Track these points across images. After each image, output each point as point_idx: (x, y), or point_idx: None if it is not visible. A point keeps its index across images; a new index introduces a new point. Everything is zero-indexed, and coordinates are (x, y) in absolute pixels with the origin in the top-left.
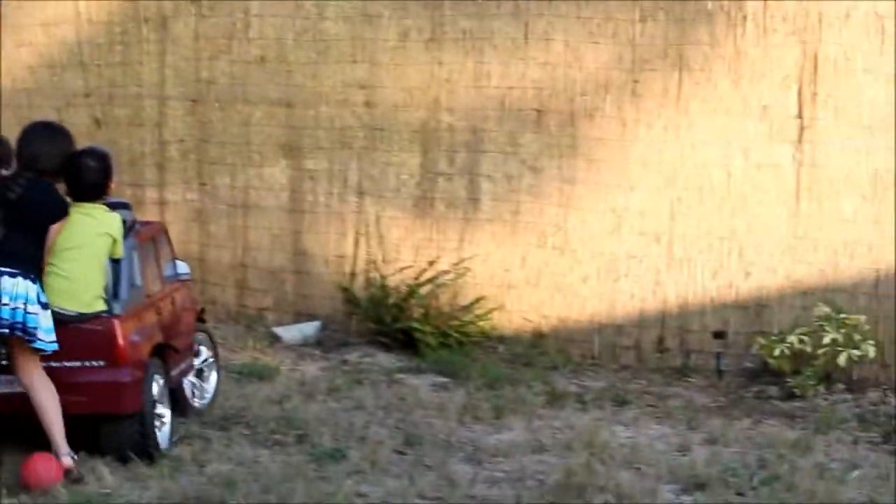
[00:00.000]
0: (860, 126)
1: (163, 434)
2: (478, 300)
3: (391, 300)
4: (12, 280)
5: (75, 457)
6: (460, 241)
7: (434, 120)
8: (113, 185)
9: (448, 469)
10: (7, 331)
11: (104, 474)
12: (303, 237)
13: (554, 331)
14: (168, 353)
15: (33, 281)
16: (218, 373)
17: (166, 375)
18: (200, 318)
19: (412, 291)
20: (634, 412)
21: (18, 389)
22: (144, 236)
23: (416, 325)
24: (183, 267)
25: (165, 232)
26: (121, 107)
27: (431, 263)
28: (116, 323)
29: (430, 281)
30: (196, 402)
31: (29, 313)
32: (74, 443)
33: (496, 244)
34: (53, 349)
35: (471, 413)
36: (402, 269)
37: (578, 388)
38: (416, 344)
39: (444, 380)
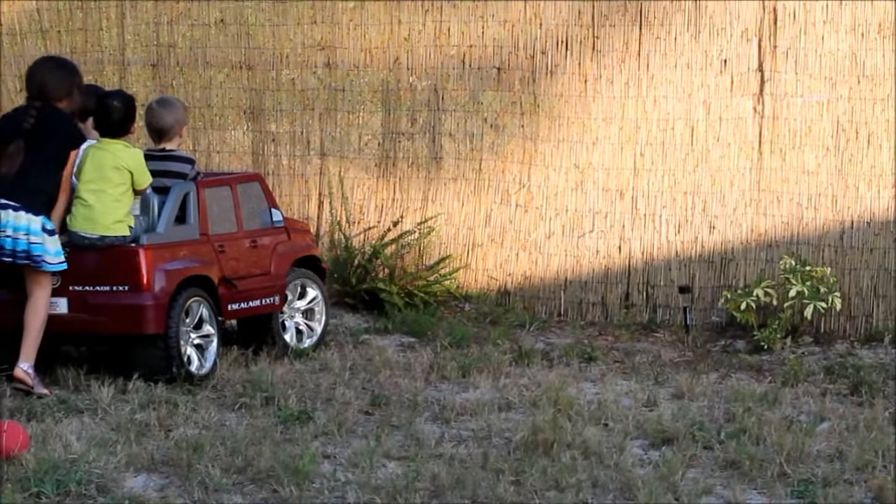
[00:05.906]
0: (821, 78)
1: (207, 356)
2: (443, 259)
3: (356, 261)
4: (15, 213)
5: (30, 372)
6: (424, 200)
7: (395, 79)
8: (135, 127)
9: (415, 428)
10: (10, 259)
11: (71, 441)
12: None
13: (519, 288)
14: (225, 287)
15: (36, 213)
16: (326, 315)
17: (216, 307)
18: (313, 266)
19: (377, 252)
20: (601, 368)
21: (58, 311)
22: (210, 183)
23: (381, 285)
24: (278, 215)
25: (261, 183)
26: (82, 73)
27: (395, 223)
28: (141, 252)
29: (394, 241)
30: (306, 342)
31: (33, 243)
32: (111, 367)
33: (460, 203)
34: (62, 268)
35: (437, 372)
36: (366, 230)
37: (545, 346)
38: (381, 304)
39: (411, 340)
